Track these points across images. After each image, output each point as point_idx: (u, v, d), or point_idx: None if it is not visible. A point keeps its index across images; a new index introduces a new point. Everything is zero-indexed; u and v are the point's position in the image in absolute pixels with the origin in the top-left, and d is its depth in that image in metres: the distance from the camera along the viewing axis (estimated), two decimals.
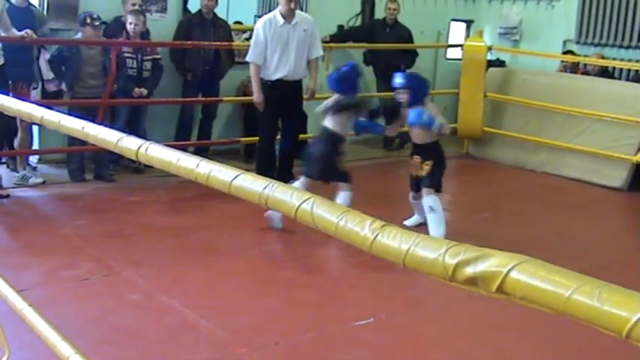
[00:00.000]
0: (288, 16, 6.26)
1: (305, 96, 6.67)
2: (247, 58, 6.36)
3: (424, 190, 5.24)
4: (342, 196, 5.18)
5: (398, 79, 5.37)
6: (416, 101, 5.28)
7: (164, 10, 7.48)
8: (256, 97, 6.35)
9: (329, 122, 5.37)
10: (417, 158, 5.36)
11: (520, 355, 3.69)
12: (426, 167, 5.28)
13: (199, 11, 7.33)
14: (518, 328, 4.01)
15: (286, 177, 6.16)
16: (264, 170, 6.03)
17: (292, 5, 6.24)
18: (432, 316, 4.14)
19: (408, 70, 8.63)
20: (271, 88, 6.33)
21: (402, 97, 5.31)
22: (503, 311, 4.10)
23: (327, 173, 5.33)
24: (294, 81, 6.43)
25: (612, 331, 1.24)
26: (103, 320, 3.79)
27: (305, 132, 7.42)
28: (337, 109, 5.32)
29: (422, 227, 5.11)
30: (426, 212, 5.22)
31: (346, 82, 5.45)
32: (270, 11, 6.91)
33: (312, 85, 6.72)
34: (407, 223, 5.49)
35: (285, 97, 6.36)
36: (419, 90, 5.36)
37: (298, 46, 6.31)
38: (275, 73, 6.29)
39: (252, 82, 6.40)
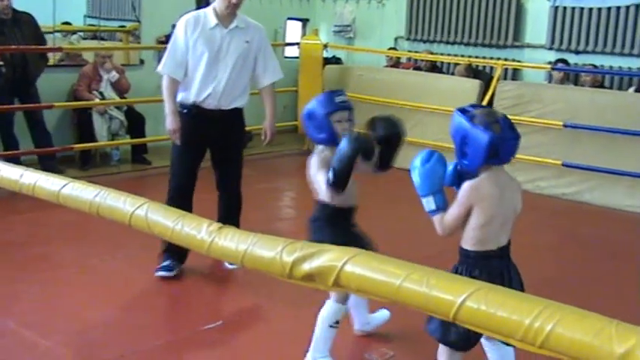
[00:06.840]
0: (225, 17, 4.41)
1: (263, 139, 4.73)
2: (159, 70, 4.41)
3: None
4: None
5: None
6: None
7: None
8: (170, 122, 4.35)
9: None
10: None
11: (369, 345, 3.80)
12: None
13: None
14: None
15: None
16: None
17: (234, 0, 4.33)
18: (282, 313, 4.16)
19: None
20: (189, 116, 4.43)
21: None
22: None
23: None
24: (221, 111, 4.44)
25: (441, 314, 1.31)
26: None
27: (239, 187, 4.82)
28: None
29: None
30: None
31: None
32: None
33: (270, 123, 4.69)
34: None
35: (211, 134, 4.49)
36: None
37: (236, 62, 4.43)
38: (194, 95, 4.40)
39: (165, 101, 4.38)
